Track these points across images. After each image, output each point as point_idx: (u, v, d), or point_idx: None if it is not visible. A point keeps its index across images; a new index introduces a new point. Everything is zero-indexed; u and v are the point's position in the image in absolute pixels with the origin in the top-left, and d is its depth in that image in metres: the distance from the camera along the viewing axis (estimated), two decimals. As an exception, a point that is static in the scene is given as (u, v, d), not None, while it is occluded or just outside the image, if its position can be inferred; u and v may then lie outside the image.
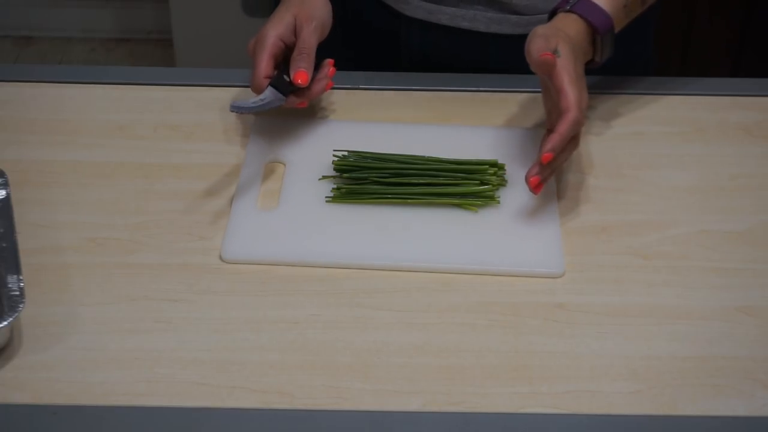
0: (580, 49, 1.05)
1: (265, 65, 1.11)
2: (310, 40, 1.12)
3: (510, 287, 0.98)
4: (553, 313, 0.95)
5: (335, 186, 1.07)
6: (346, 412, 0.87)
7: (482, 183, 1.06)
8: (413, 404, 0.87)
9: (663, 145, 1.16)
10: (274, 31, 1.12)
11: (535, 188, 1.01)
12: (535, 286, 0.98)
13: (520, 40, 1.11)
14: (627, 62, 1.25)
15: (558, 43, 1.02)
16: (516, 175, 1.09)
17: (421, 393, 0.88)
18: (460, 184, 1.06)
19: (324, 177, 1.08)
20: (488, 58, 1.13)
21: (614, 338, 0.93)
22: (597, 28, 1.07)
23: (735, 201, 1.09)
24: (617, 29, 1.09)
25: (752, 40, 2.38)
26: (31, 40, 3.01)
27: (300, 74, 1.10)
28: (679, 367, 0.91)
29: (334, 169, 1.08)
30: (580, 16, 1.07)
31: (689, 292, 0.98)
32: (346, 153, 1.09)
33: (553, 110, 1.03)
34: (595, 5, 1.07)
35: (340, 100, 1.20)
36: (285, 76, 1.10)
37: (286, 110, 1.19)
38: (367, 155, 1.09)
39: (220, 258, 1.00)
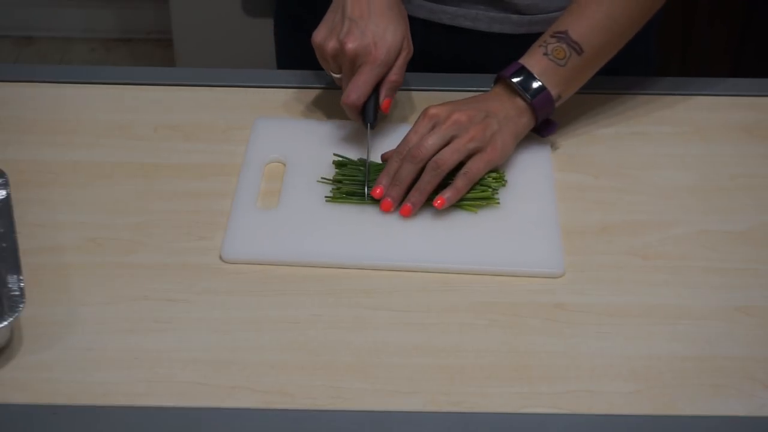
0: (485, 101, 1.09)
1: (370, 88, 1.10)
2: (404, 70, 1.12)
3: (510, 287, 0.98)
4: (553, 313, 0.95)
5: (335, 188, 1.07)
6: (346, 412, 0.87)
7: (481, 184, 1.06)
8: (413, 404, 0.87)
9: (663, 145, 1.16)
10: (389, 57, 1.09)
11: (384, 206, 1.04)
12: (535, 286, 0.98)
13: (522, 39, 1.12)
14: (628, 62, 1.25)
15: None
16: (515, 175, 1.09)
17: (421, 393, 0.88)
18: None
19: (323, 179, 1.08)
20: (490, 57, 1.13)
21: (614, 338, 0.93)
22: (501, 74, 1.09)
23: (735, 201, 1.09)
24: (542, 73, 1.08)
25: (752, 40, 2.38)
26: (31, 40, 3.01)
27: (389, 103, 1.12)
28: (678, 367, 0.91)
29: (336, 168, 1.08)
30: (499, 78, 1.11)
31: (689, 292, 0.98)
32: (343, 159, 1.09)
33: None
34: (513, 63, 1.10)
35: (340, 100, 1.20)
36: (375, 106, 1.11)
37: (285, 110, 1.19)
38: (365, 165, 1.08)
39: (220, 258, 1.00)
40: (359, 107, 1.10)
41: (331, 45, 1.10)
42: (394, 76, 1.11)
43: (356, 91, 1.09)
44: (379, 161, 1.10)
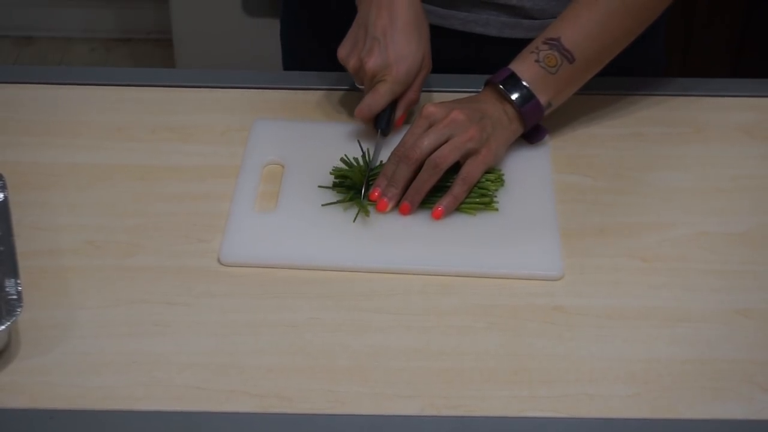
0: (479, 102, 1.09)
1: (385, 104, 1.11)
2: (421, 88, 1.14)
3: (509, 290, 0.98)
4: (551, 315, 0.95)
5: (334, 193, 1.06)
6: (344, 416, 0.86)
7: (480, 187, 1.05)
8: (412, 408, 0.87)
9: (663, 146, 1.16)
10: (408, 77, 1.10)
11: (380, 206, 1.05)
12: (534, 288, 0.98)
13: None
14: (640, 63, 1.25)
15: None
16: (514, 176, 1.09)
17: (419, 397, 0.88)
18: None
19: (321, 186, 1.07)
20: (502, 63, 1.13)
21: (613, 341, 0.93)
22: (491, 79, 1.10)
23: (734, 202, 1.08)
24: (533, 80, 1.08)
25: (752, 40, 2.37)
26: (31, 40, 3.01)
27: (404, 119, 1.13)
28: (678, 369, 0.91)
29: (333, 176, 1.08)
30: (488, 82, 1.11)
31: (688, 294, 0.98)
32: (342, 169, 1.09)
33: None
34: (504, 69, 1.10)
35: (341, 101, 1.20)
36: (389, 116, 1.12)
37: (284, 111, 1.19)
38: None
39: (219, 261, 1.00)
40: (371, 120, 1.12)
41: (353, 62, 1.11)
42: (412, 94, 1.12)
43: (369, 106, 1.10)
44: (367, 177, 1.09)
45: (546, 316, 0.95)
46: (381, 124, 1.12)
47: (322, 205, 1.05)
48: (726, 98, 1.23)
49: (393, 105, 1.12)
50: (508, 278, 0.99)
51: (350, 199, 1.05)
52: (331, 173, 1.08)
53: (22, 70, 1.37)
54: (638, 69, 1.26)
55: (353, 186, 1.06)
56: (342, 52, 1.13)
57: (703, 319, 0.95)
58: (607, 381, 0.89)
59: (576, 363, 0.91)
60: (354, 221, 1.03)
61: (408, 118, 1.15)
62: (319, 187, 1.07)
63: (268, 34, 1.45)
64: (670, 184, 1.11)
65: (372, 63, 1.09)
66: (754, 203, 1.08)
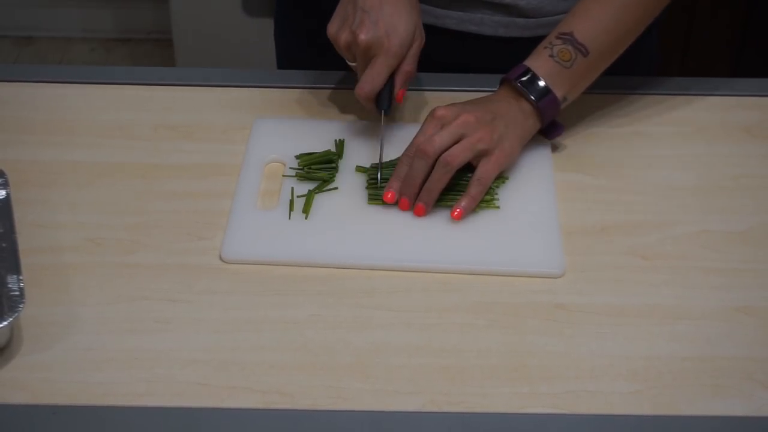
0: (492, 102, 1.09)
1: (384, 80, 1.10)
2: (417, 59, 1.12)
3: (510, 287, 0.98)
4: (553, 313, 0.95)
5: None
6: (345, 412, 0.86)
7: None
8: (413, 404, 0.87)
9: (663, 144, 1.16)
10: (401, 48, 1.09)
11: (402, 205, 1.04)
12: (535, 286, 0.98)
13: (528, 43, 1.11)
14: (633, 56, 1.25)
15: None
16: (515, 175, 1.09)
17: (420, 393, 0.88)
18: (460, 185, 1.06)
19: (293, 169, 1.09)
20: (497, 62, 1.12)
21: (614, 338, 0.93)
22: (507, 77, 1.10)
23: (735, 201, 1.09)
24: (548, 75, 1.08)
25: (752, 40, 2.38)
26: (31, 40, 3.01)
27: (404, 93, 1.12)
28: (678, 367, 0.91)
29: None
30: (504, 80, 1.11)
31: (689, 292, 0.98)
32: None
33: None
34: (519, 66, 1.10)
35: (342, 99, 1.20)
36: (389, 94, 1.11)
37: (285, 110, 1.19)
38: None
39: (220, 258, 1.00)
40: (373, 98, 1.11)
41: (344, 37, 1.10)
42: (408, 66, 1.11)
43: (370, 82, 1.09)
44: (382, 157, 1.10)
45: (547, 313, 0.95)
46: (383, 104, 1.11)
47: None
48: (727, 97, 1.23)
49: (390, 83, 1.11)
50: (509, 276, 0.99)
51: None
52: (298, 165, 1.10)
53: (22, 69, 1.36)
54: (632, 65, 1.25)
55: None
56: (332, 28, 1.11)
57: (704, 316, 0.96)
58: (607, 378, 0.89)
59: (577, 360, 0.91)
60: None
61: (402, 112, 1.15)
62: (291, 168, 1.09)
63: (267, 34, 1.45)
64: (670, 183, 1.11)
65: (364, 36, 1.08)
66: (755, 202, 1.09)
